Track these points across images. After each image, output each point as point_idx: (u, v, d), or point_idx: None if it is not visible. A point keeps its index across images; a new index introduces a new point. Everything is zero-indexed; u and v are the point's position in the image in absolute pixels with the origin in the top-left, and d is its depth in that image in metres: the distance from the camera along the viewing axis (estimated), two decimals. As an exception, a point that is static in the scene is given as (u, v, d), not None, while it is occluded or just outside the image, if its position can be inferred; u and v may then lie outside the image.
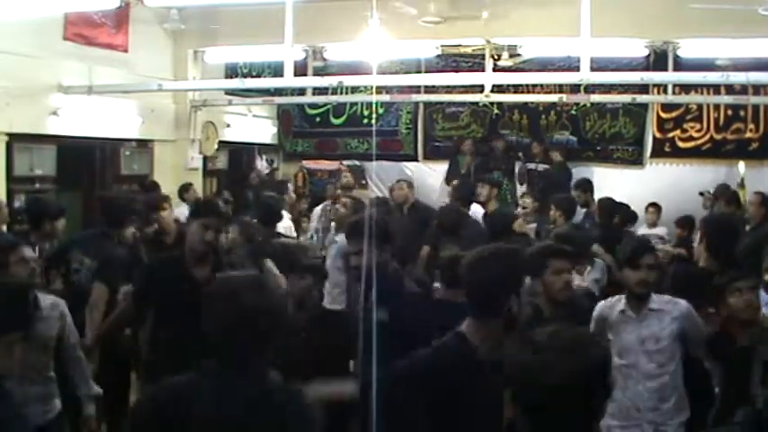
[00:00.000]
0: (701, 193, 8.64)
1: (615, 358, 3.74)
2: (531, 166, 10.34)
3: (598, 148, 10.50)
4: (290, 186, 10.07)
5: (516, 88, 9.53)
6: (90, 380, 4.00)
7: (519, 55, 9.17)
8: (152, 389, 2.30)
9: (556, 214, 6.63)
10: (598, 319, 3.86)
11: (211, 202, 5.34)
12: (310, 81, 9.15)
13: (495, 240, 5.60)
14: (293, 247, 5.50)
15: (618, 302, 3.85)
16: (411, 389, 2.54)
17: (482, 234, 5.89)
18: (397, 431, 2.41)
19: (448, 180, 10.37)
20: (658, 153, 10.19)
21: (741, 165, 9.41)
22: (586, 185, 8.17)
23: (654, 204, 8.92)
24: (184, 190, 8.51)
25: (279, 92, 10.36)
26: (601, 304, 3.96)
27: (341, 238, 5.67)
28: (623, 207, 7.41)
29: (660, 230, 8.70)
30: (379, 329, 3.16)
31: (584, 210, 7.64)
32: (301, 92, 10.21)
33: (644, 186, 9.61)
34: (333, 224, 7.13)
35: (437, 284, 4.51)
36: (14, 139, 7.30)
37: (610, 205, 7.17)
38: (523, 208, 7.53)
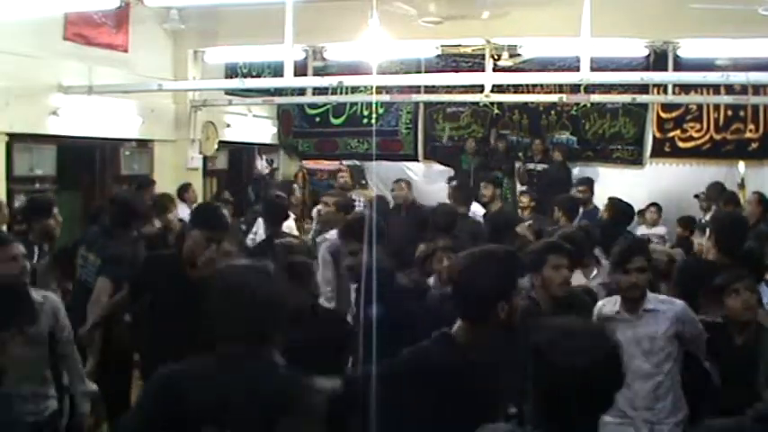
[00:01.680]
0: (696, 196, 8.66)
1: None
2: (532, 165, 10.34)
3: (598, 148, 10.50)
4: (296, 187, 10.11)
5: (516, 88, 9.53)
6: (84, 377, 3.98)
7: (519, 55, 9.17)
8: (167, 367, 2.31)
9: (559, 214, 6.62)
10: (599, 318, 3.87)
11: (215, 208, 5.35)
12: (310, 81, 9.14)
13: (495, 240, 5.61)
14: (297, 247, 5.48)
15: (614, 302, 3.86)
16: (396, 386, 2.55)
17: (477, 234, 5.88)
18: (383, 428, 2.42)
19: (448, 181, 10.39)
20: (658, 153, 10.19)
21: (741, 165, 9.41)
22: (590, 182, 8.20)
23: (654, 204, 8.93)
24: (184, 190, 8.52)
25: (279, 92, 10.36)
26: (599, 304, 3.97)
27: (330, 235, 5.69)
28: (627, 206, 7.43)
29: (660, 230, 8.71)
30: (373, 326, 3.18)
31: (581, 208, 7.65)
32: (301, 92, 10.21)
33: (644, 186, 9.62)
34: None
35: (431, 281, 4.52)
36: (14, 139, 7.30)
37: (618, 205, 7.16)
38: (521, 207, 7.55)
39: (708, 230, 4.88)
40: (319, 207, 7.95)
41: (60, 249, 5.25)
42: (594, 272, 5.27)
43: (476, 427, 2.08)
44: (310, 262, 4.42)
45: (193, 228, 4.05)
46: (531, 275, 3.73)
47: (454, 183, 8.94)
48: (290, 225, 6.95)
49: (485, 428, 2.07)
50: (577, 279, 4.42)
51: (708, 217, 7.63)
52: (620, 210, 6.85)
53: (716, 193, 8.00)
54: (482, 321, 2.56)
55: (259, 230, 7.00)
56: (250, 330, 2.25)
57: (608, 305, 3.88)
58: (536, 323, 2.09)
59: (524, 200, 8.15)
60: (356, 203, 7.83)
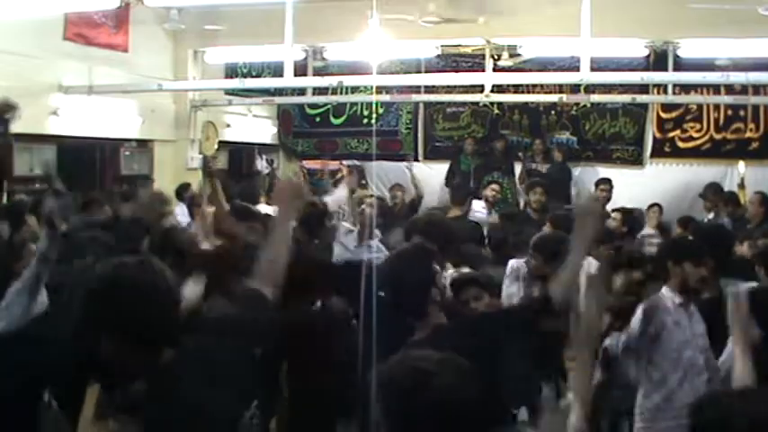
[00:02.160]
0: (701, 195, 8.66)
1: (673, 353, 3.71)
2: (532, 165, 10.34)
3: (598, 148, 10.50)
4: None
5: (516, 88, 9.53)
6: None
7: (519, 55, 9.16)
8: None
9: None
10: (659, 306, 3.78)
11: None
12: (310, 81, 9.15)
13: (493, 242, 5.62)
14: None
15: (666, 298, 3.80)
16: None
17: (474, 237, 5.84)
18: None
19: (448, 182, 10.39)
20: (658, 153, 10.19)
21: (741, 165, 9.40)
22: (609, 182, 8.29)
23: (656, 205, 8.90)
24: (183, 190, 8.52)
25: (279, 92, 10.36)
26: (649, 303, 3.83)
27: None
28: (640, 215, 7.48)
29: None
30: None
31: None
32: (301, 92, 10.21)
33: (644, 186, 9.60)
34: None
35: None
36: (14, 139, 7.28)
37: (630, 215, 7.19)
38: (534, 209, 7.38)
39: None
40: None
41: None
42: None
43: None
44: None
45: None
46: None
47: (454, 182, 8.94)
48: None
49: None
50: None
51: (711, 216, 7.64)
52: (632, 220, 6.84)
53: (712, 193, 8.01)
54: (424, 310, 2.68)
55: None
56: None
57: (666, 301, 3.80)
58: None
59: (534, 197, 7.95)
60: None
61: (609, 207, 7.62)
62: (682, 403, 3.63)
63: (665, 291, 3.85)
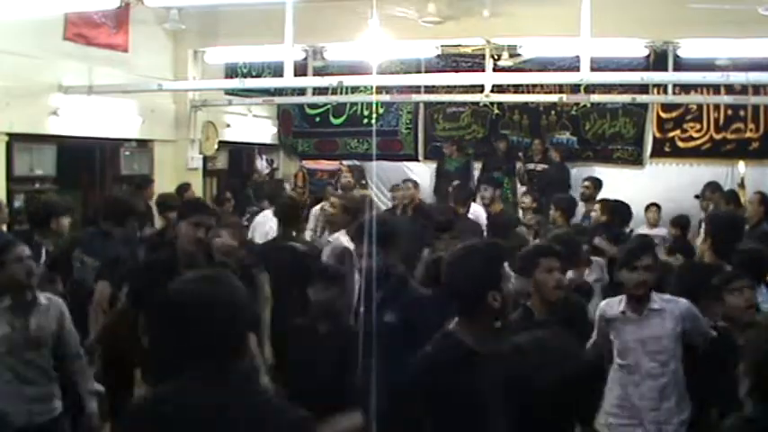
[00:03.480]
0: (698, 196, 8.67)
1: (617, 359, 3.78)
2: (532, 165, 10.35)
3: (598, 148, 10.50)
4: (288, 186, 10.11)
5: (516, 88, 9.53)
6: (91, 377, 4.00)
7: (519, 55, 9.16)
8: (138, 398, 2.18)
9: (556, 214, 6.64)
10: (600, 319, 3.87)
11: (198, 200, 5.31)
12: (310, 81, 9.15)
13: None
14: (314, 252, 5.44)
15: (619, 302, 3.85)
16: (414, 394, 2.56)
17: (478, 234, 5.89)
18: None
19: (437, 186, 10.38)
20: (658, 153, 10.19)
21: (741, 165, 9.41)
22: (595, 180, 8.24)
23: (654, 204, 8.91)
24: (183, 190, 8.52)
25: (279, 92, 10.36)
26: (602, 304, 3.97)
27: (333, 237, 5.67)
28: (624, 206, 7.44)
29: (661, 231, 8.69)
30: (388, 331, 3.16)
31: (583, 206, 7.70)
32: (301, 92, 10.21)
33: (644, 186, 9.61)
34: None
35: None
36: (14, 139, 7.30)
37: (612, 206, 7.17)
38: (522, 207, 7.56)
39: (702, 232, 4.88)
40: (319, 207, 7.94)
41: (54, 252, 5.25)
42: (586, 271, 5.29)
43: (497, 419, 2.08)
44: (342, 267, 4.42)
45: (179, 221, 4.04)
46: (524, 280, 3.66)
47: (455, 183, 8.94)
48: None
49: None
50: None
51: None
52: (613, 210, 6.87)
53: (710, 191, 8.01)
54: (477, 313, 2.59)
55: (256, 230, 7.01)
56: (219, 345, 1.98)
57: (613, 306, 3.86)
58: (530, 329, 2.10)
59: (526, 200, 8.14)
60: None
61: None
62: (625, 405, 3.74)
63: (617, 298, 3.89)
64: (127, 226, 5.24)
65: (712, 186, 8.13)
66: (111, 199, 5.76)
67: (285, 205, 6.02)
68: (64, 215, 5.22)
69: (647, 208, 8.85)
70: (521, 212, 8.31)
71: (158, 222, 7.37)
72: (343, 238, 5.30)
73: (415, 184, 8.45)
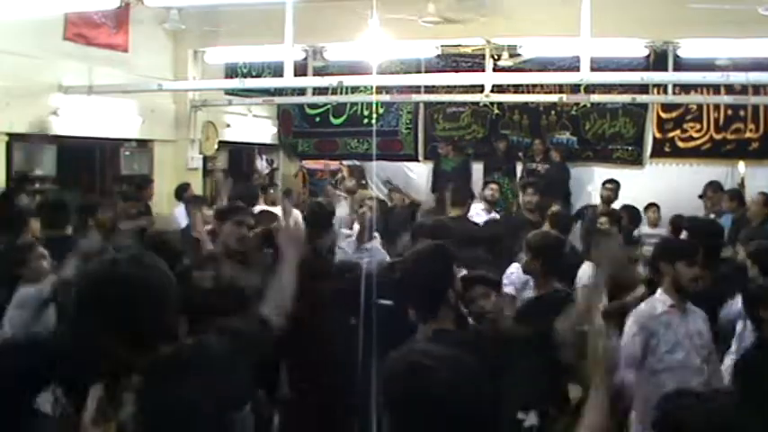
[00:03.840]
0: (701, 197, 8.66)
1: (665, 358, 3.71)
2: (533, 166, 10.34)
3: (598, 148, 10.50)
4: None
5: (516, 88, 9.53)
6: None
7: (519, 55, 9.16)
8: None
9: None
10: (649, 317, 3.78)
11: (235, 204, 5.33)
12: (310, 81, 9.15)
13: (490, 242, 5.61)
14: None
15: (656, 302, 3.82)
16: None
17: (472, 238, 5.83)
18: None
19: (434, 185, 10.37)
20: (658, 153, 10.19)
21: (741, 165, 9.42)
22: (617, 183, 8.22)
23: (654, 204, 8.91)
24: (183, 190, 8.52)
25: (279, 92, 10.36)
26: (641, 307, 3.89)
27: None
28: (630, 209, 7.47)
29: (661, 231, 8.69)
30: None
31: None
32: (301, 92, 10.21)
33: (644, 186, 9.61)
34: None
35: None
36: (14, 139, 7.30)
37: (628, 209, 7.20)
38: (528, 209, 7.42)
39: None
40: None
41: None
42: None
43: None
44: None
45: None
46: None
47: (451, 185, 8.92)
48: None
49: None
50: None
51: (712, 216, 7.64)
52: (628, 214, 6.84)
53: (712, 191, 8.01)
54: (438, 314, 2.66)
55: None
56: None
57: (655, 305, 3.81)
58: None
59: (529, 198, 8.00)
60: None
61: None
62: None
63: (658, 293, 3.85)
64: None
65: (714, 186, 8.13)
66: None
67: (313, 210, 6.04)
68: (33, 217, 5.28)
69: (647, 208, 8.84)
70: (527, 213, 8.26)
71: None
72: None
73: (398, 190, 8.45)
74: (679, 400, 1.95)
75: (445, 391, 1.72)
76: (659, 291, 3.86)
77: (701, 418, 1.82)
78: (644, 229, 8.54)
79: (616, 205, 7.64)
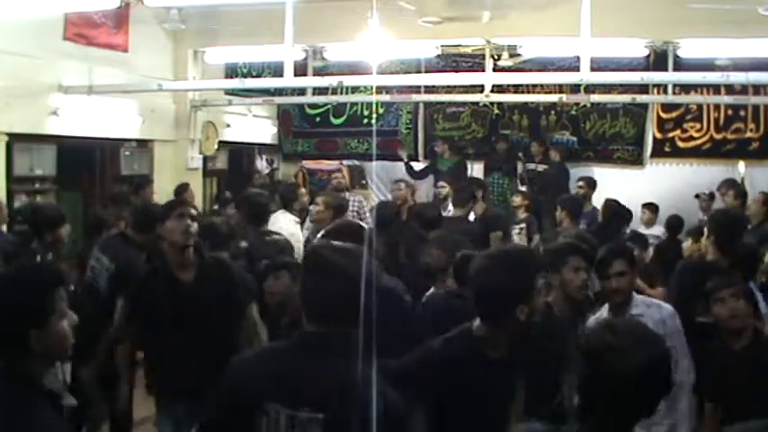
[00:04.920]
0: (697, 196, 8.65)
1: None
2: (532, 166, 10.35)
3: (598, 148, 10.50)
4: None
5: (516, 88, 9.53)
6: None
7: (519, 55, 9.16)
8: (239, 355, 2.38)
9: (562, 215, 6.58)
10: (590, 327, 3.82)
11: (181, 198, 5.25)
12: (310, 81, 9.14)
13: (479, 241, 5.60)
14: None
15: (605, 309, 3.81)
16: (419, 381, 2.55)
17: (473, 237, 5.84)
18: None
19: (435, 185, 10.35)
20: (658, 153, 10.19)
21: (741, 165, 9.42)
22: (589, 180, 8.24)
23: (650, 204, 8.90)
24: (182, 190, 8.51)
25: (279, 92, 10.36)
26: (592, 319, 3.84)
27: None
28: (623, 207, 7.45)
29: (657, 230, 8.68)
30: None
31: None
32: (301, 92, 10.21)
33: (644, 186, 9.61)
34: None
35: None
36: (14, 139, 7.30)
37: (613, 207, 7.18)
38: (515, 207, 7.57)
39: (706, 230, 4.87)
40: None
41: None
42: None
43: (498, 421, 2.08)
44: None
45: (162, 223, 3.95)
46: (550, 276, 3.60)
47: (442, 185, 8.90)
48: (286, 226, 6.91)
49: (517, 429, 2.07)
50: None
51: (706, 217, 7.62)
52: (614, 212, 6.85)
53: (726, 189, 7.92)
54: (501, 323, 2.54)
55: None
56: (339, 313, 2.10)
57: (601, 312, 3.81)
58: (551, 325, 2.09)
59: (517, 200, 8.12)
60: (353, 203, 7.84)
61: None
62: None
63: (601, 309, 3.84)
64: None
65: (728, 183, 8.02)
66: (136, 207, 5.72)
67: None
68: (58, 226, 5.10)
69: (644, 207, 8.83)
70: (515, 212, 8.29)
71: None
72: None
73: (408, 184, 8.43)
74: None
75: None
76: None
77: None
78: (640, 229, 8.55)
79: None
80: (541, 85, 9.53)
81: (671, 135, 10.14)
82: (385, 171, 10.74)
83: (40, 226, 5.10)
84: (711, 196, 8.25)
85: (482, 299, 2.57)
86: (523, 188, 10.05)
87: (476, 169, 10.59)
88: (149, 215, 4.69)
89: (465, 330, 2.63)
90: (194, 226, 3.87)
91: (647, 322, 3.60)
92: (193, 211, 3.98)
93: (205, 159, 9.92)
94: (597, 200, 8.04)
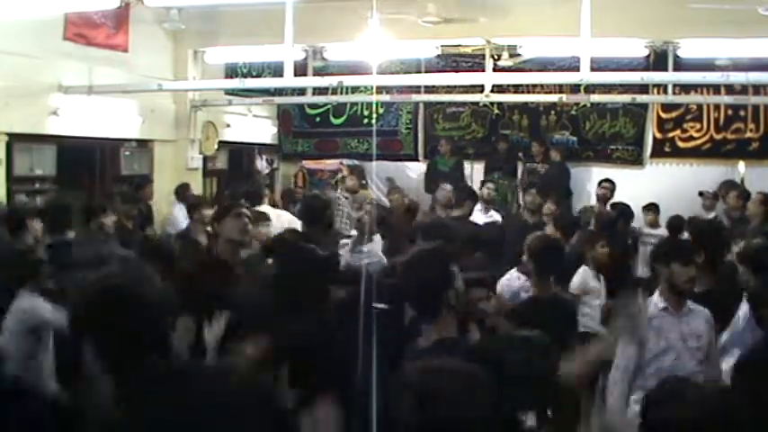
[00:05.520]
0: (701, 193, 8.66)
1: (653, 360, 3.67)
2: (533, 166, 10.34)
3: (598, 148, 10.50)
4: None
5: (516, 88, 9.53)
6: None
7: (519, 55, 9.16)
8: None
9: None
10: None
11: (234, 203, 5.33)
12: (310, 81, 9.14)
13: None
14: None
15: (653, 301, 3.76)
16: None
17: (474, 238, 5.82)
18: None
19: (427, 185, 10.34)
20: (658, 153, 10.19)
21: (741, 165, 9.42)
22: (613, 183, 8.35)
23: (651, 205, 8.90)
24: (183, 190, 8.52)
25: (279, 92, 10.36)
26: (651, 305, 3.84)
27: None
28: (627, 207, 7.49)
29: (660, 231, 8.68)
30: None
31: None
32: (301, 92, 10.21)
33: (644, 186, 9.61)
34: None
35: None
36: (14, 139, 7.30)
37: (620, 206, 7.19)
38: (528, 209, 7.42)
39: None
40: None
41: None
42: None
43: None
44: None
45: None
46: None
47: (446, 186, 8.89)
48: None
49: None
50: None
51: (711, 216, 7.63)
52: (620, 211, 6.82)
53: (726, 190, 7.94)
54: (439, 315, 2.70)
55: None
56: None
57: (649, 305, 3.72)
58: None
59: (529, 200, 7.98)
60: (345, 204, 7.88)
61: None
62: None
63: (654, 295, 3.81)
64: None
65: (728, 185, 8.02)
66: None
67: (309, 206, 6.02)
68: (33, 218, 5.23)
69: (645, 209, 8.83)
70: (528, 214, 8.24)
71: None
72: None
73: (399, 190, 8.42)
74: (668, 388, 1.94)
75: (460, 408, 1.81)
76: (656, 292, 3.82)
77: (688, 407, 1.81)
78: (645, 229, 8.55)
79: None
80: (541, 85, 9.53)
81: (671, 135, 10.14)
82: (385, 171, 10.74)
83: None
84: (715, 195, 8.24)
85: (413, 295, 2.82)
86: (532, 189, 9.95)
87: (476, 169, 10.59)
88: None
89: (437, 344, 2.70)
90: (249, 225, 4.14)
91: (702, 316, 3.74)
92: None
93: (205, 159, 9.92)
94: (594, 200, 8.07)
